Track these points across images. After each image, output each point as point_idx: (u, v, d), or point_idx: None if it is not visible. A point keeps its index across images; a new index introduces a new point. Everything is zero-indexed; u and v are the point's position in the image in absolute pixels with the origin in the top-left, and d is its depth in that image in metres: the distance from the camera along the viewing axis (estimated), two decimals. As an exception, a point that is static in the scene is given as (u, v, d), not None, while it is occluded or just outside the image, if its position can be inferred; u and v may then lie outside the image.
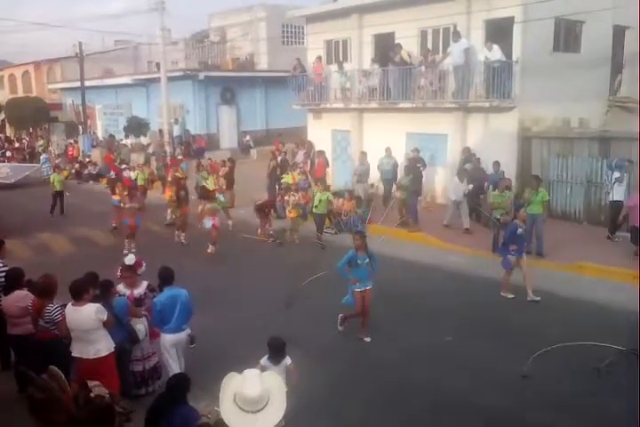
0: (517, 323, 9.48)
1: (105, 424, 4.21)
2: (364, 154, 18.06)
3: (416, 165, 16.13)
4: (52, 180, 19.26)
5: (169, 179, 17.50)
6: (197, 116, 29.21)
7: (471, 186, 14.93)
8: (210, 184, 16.53)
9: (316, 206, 14.63)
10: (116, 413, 4.35)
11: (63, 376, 5.09)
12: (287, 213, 15.41)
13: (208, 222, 13.63)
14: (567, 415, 6.82)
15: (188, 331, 7.13)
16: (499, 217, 12.75)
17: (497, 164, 15.14)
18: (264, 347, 6.23)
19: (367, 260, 8.72)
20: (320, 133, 21.67)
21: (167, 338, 6.98)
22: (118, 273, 7.67)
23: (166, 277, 7.11)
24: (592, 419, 6.74)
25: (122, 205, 14.93)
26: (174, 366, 6.96)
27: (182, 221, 15.15)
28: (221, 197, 16.11)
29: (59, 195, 18.91)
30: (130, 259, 7.58)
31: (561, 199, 15.45)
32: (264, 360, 6.09)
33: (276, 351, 6.09)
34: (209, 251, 13.54)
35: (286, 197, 15.35)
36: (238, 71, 30.79)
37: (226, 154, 24.85)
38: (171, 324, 6.91)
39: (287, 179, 16.49)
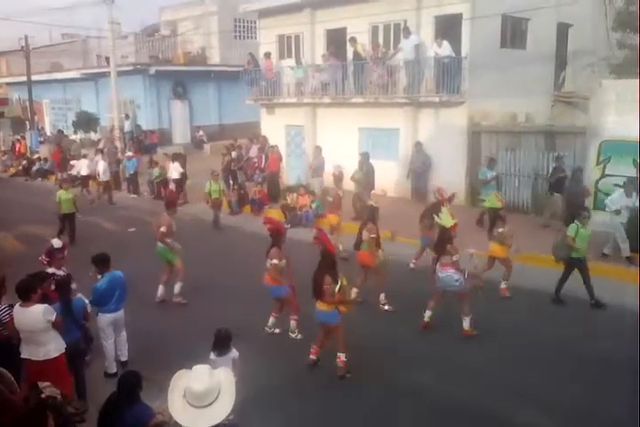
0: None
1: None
2: (318, 148, 18.12)
3: (368, 162, 16.16)
4: (57, 198, 14.34)
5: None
6: (149, 111, 28.69)
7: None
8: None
9: None
10: (45, 413, 4.28)
11: (12, 378, 5.04)
12: (491, 248, 10.30)
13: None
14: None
15: (122, 311, 7.64)
16: None
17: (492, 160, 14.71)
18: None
19: None
20: (274, 128, 21.63)
21: (106, 317, 7.50)
22: (43, 257, 8.55)
23: (103, 262, 7.58)
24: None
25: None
26: (109, 348, 7.56)
27: (382, 276, 9.68)
28: None
29: (67, 218, 14.42)
30: (57, 242, 8.66)
31: (510, 192, 15.85)
32: (212, 354, 6.08)
33: (220, 343, 6.06)
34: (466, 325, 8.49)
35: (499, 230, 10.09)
36: (190, 65, 30.40)
37: (178, 149, 24.58)
38: (110, 305, 7.48)
39: (491, 203, 11.44)
